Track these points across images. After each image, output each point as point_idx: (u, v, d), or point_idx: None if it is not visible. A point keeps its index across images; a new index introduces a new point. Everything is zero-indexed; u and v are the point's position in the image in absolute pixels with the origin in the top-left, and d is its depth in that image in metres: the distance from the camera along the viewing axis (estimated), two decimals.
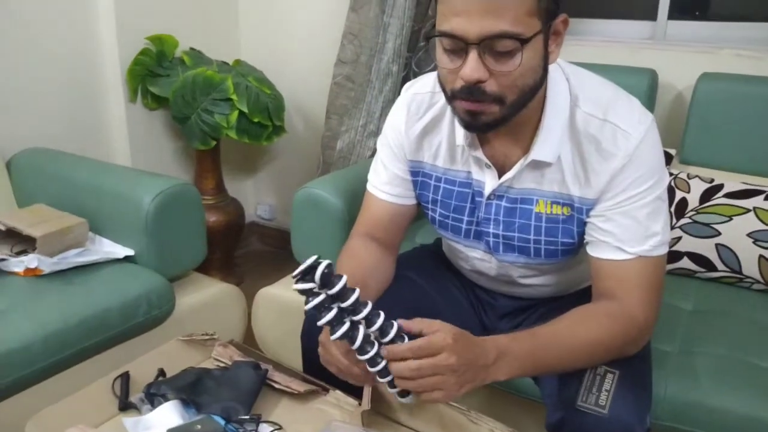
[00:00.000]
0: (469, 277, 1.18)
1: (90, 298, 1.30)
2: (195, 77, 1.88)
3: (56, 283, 1.34)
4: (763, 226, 1.36)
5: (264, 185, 2.56)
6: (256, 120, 1.92)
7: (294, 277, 0.75)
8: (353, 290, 0.77)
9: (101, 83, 1.96)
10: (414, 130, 1.03)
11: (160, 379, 1.00)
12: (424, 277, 1.15)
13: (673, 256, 1.43)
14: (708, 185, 1.46)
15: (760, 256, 1.35)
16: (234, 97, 1.87)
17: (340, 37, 1.94)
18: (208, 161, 2.12)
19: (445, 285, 1.17)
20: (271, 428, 0.91)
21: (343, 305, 0.77)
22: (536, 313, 1.12)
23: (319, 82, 2.15)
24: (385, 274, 1.05)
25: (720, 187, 1.44)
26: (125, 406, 0.95)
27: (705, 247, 1.40)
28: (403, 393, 0.80)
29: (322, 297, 0.76)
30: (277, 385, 0.99)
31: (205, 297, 1.56)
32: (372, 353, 0.78)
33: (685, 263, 1.43)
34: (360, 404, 0.95)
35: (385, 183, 1.07)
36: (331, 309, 0.76)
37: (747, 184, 1.44)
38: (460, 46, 0.80)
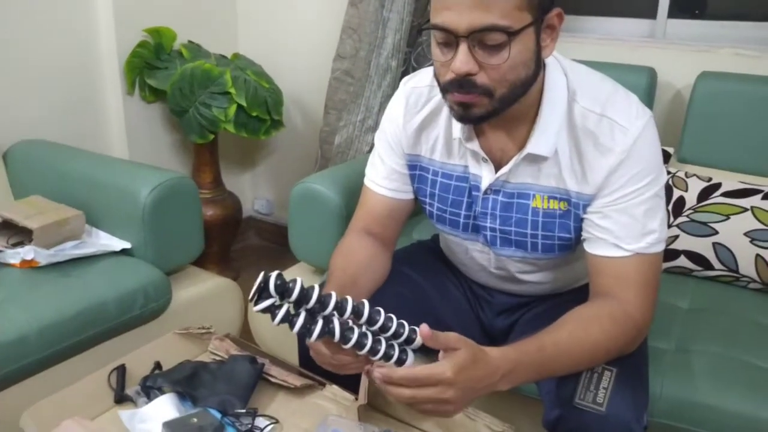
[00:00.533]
0: (467, 274, 1.18)
1: (86, 290, 1.30)
2: (193, 70, 1.87)
3: (52, 275, 1.33)
4: (760, 226, 1.36)
5: (262, 179, 2.56)
6: (254, 114, 1.92)
7: (251, 300, 0.75)
8: (312, 288, 0.77)
9: (99, 75, 1.96)
10: (412, 124, 1.03)
11: (157, 372, 1.00)
12: (421, 273, 1.15)
13: (671, 254, 1.43)
14: (706, 184, 1.46)
15: (757, 255, 1.35)
16: (232, 90, 1.87)
17: (339, 32, 1.93)
18: (206, 155, 2.11)
19: (442, 281, 1.17)
20: (267, 422, 0.91)
21: (309, 306, 0.77)
22: (533, 310, 1.12)
23: (317, 76, 2.14)
24: (380, 270, 1.05)
25: (718, 186, 1.44)
26: (121, 398, 0.95)
27: (702, 246, 1.41)
28: (400, 361, 0.80)
29: (285, 308, 0.76)
30: (273, 379, 0.99)
31: (202, 291, 1.56)
32: (355, 338, 0.78)
33: (683, 262, 1.43)
34: (356, 399, 0.95)
35: (383, 177, 1.07)
36: (299, 314, 0.77)
37: (745, 183, 1.44)
38: (451, 39, 0.81)
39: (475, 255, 1.08)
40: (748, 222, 1.37)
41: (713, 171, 1.53)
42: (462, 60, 0.80)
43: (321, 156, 2.05)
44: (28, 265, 1.35)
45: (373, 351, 0.78)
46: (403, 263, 1.13)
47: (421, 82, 1.03)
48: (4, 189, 1.61)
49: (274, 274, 0.74)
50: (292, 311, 0.77)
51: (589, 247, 0.93)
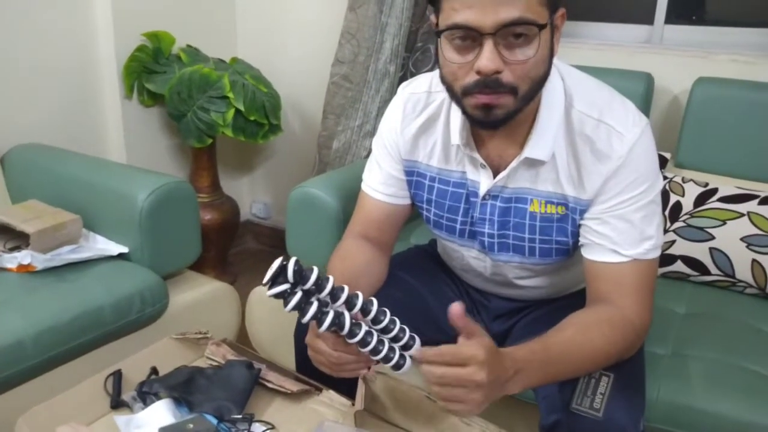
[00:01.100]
0: (463, 278, 1.18)
1: (83, 295, 1.30)
2: (191, 74, 1.87)
3: (49, 279, 1.33)
4: (756, 231, 1.37)
5: (259, 184, 2.56)
6: (252, 118, 1.92)
7: (265, 284, 0.74)
8: (327, 279, 0.77)
9: (97, 79, 1.96)
10: (409, 130, 1.03)
11: (153, 377, 1.00)
12: (418, 277, 1.15)
13: (667, 259, 1.44)
14: (702, 189, 1.46)
15: (754, 260, 1.36)
16: (230, 95, 1.87)
17: (337, 37, 1.93)
18: (204, 159, 2.11)
19: (439, 286, 1.17)
20: (264, 428, 0.91)
21: (321, 296, 0.77)
22: (530, 315, 1.12)
23: (316, 81, 2.14)
24: (377, 274, 1.05)
25: (714, 191, 1.45)
26: (117, 404, 0.95)
27: (699, 251, 1.41)
28: (398, 366, 0.80)
29: (299, 295, 0.75)
30: (270, 385, 0.98)
31: (199, 295, 1.56)
32: (361, 334, 0.77)
33: (679, 267, 1.43)
34: (353, 404, 0.95)
35: (380, 183, 1.07)
36: (311, 303, 0.76)
37: (741, 188, 1.44)
38: (472, 39, 0.80)
39: (472, 260, 1.08)
40: (744, 227, 1.38)
41: (710, 176, 1.53)
42: (489, 58, 0.78)
43: (319, 160, 2.06)
44: (25, 269, 1.34)
45: (375, 351, 0.78)
46: (400, 268, 1.13)
47: (419, 87, 1.03)
48: (2, 193, 1.61)
49: (292, 260, 0.74)
50: (305, 300, 0.77)
51: (587, 253, 0.93)
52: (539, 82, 0.85)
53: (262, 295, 1.55)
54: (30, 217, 1.39)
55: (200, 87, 1.87)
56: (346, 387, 0.96)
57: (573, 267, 1.05)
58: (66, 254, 1.38)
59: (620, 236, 0.89)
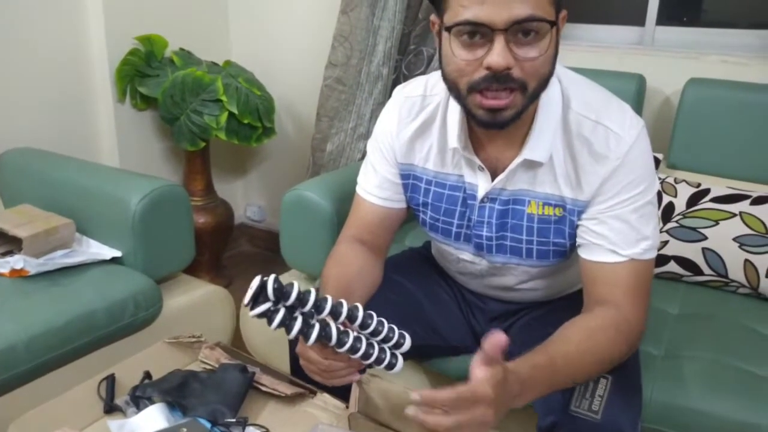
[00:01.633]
0: (458, 281, 1.18)
1: (76, 299, 1.29)
2: (184, 78, 1.87)
3: (42, 284, 1.32)
4: (748, 231, 1.37)
5: (253, 187, 2.55)
6: (245, 121, 1.92)
7: (247, 305, 0.74)
8: (309, 292, 0.77)
9: (89, 83, 1.95)
10: (405, 133, 1.03)
11: (146, 381, 0.99)
12: (413, 280, 1.15)
13: (660, 259, 1.44)
14: (695, 190, 1.47)
15: (746, 260, 1.36)
16: (224, 98, 1.87)
17: (330, 40, 1.94)
18: (198, 162, 2.11)
19: (434, 288, 1.17)
20: (258, 431, 0.91)
21: (305, 310, 0.77)
22: (526, 317, 1.12)
23: (309, 84, 2.14)
24: (372, 278, 1.05)
25: (707, 191, 1.45)
26: (110, 408, 0.95)
27: (691, 251, 1.41)
28: (390, 365, 0.79)
29: (282, 312, 0.75)
30: (264, 388, 0.98)
31: (193, 299, 1.55)
32: (350, 342, 0.77)
33: (672, 267, 1.44)
34: (347, 407, 0.95)
35: (375, 186, 1.07)
36: (295, 319, 0.76)
37: (733, 188, 1.45)
38: (482, 35, 0.79)
39: (467, 263, 1.08)
40: (736, 227, 1.38)
41: (702, 177, 1.54)
42: (501, 54, 0.78)
43: (313, 163, 2.05)
44: (18, 274, 1.34)
45: (366, 355, 0.78)
46: (395, 270, 1.13)
47: (414, 91, 1.03)
48: None
49: (271, 278, 0.74)
50: (289, 316, 0.76)
51: (585, 254, 0.93)
52: (546, 80, 0.85)
53: None
54: (22, 221, 1.38)
55: (193, 90, 1.87)
56: (340, 390, 0.96)
57: (569, 269, 1.05)
58: (59, 259, 1.38)
59: (618, 236, 0.89)
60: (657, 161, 1.58)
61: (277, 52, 2.29)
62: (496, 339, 0.69)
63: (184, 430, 0.86)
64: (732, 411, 1.05)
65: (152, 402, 0.93)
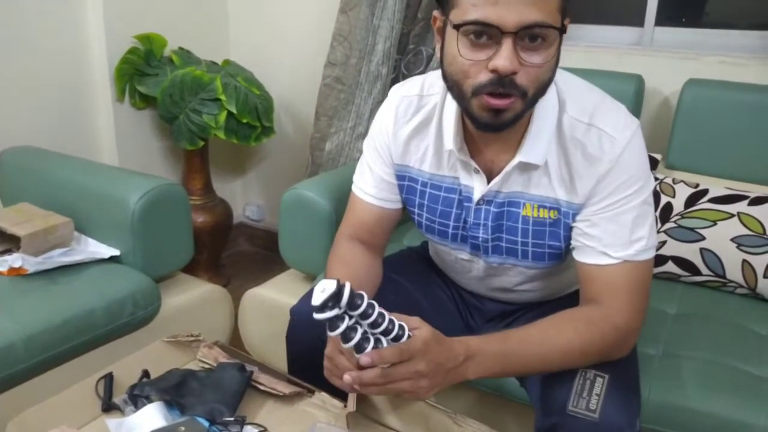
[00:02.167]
0: (456, 281, 1.18)
1: (74, 298, 1.29)
2: (183, 77, 1.87)
3: (40, 282, 1.32)
4: (746, 231, 1.38)
5: (252, 186, 2.55)
6: (244, 120, 1.92)
7: (316, 305, 0.72)
8: (372, 305, 0.76)
9: (89, 82, 1.95)
10: (402, 133, 1.02)
11: (144, 380, 0.99)
12: (410, 279, 1.15)
13: (658, 260, 1.44)
14: (693, 190, 1.47)
15: (744, 260, 1.36)
16: (223, 97, 1.87)
17: (329, 39, 1.94)
18: (196, 161, 2.11)
19: (431, 288, 1.17)
20: (256, 430, 0.91)
21: (364, 321, 0.76)
22: (523, 317, 1.12)
23: (308, 83, 2.14)
24: (376, 279, 1.05)
25: (705, 192, 1.46)
26: (108, 407, 0.95)
27: (689, 252, 1.42)
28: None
29: (347, 321, 0.74)
30: (262, 387, 0.98)
31: (192, 298, 1.55)
32: (371, 345, 0.77)
33: (670, 267, 1.44)
34: (345, 406, 0.95)
35: (371, 186, 1.06)
36: (355, 329, 0.75)
37: (731, 189, 1.45)
38: (489, 37, 0.79)
39: (464, 264, 1.09)
40: (734, 228, 1.39)
41: (700, 177, 1.54)
42: (508, 57, 0.77)
43: (312, 162, 2.06)
44: (16, 272, 1.34)
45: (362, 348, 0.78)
46: (393, 270, 1.13)
47: (411, 90, 1.03)
48: None
49: (347, 285, 0.73)
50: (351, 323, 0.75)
51: (578, 256, 0.93)
52: (545, 87, 0.85)
53: (255, 297, 1.55)
54: (21, 220, 1.38)
55: (192, 89, 1.87)
56: (338, 389, 0.96)
57: (566, 271, 1.05)
58: (57, 257, 1.38)
59: (610, 238, 0.89)
60: (655, 162, 1.58)
61: (276, 52, 2.29)
62: (362, 360, 0.76)
63: (182, 428, 0.86)
64: (729, 411, 1.05)
65: (150, 401, 0.93)
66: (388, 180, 1.06)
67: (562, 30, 0.80)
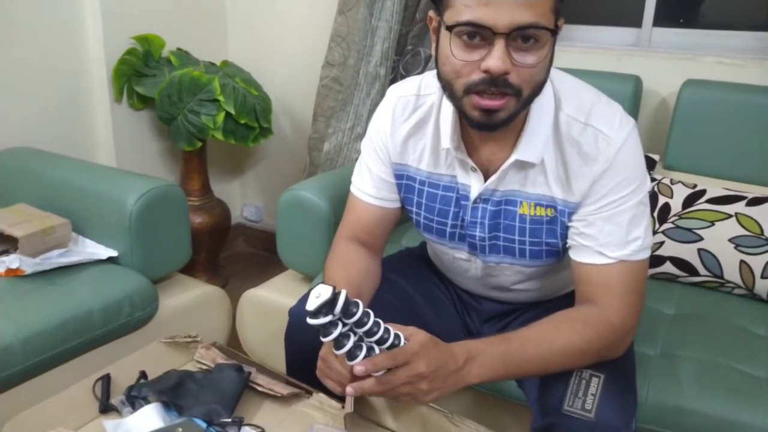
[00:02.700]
0: (454, 281, 1.18)
1: (72, 299, 1.29)
2: (182, 77, 1.87)
3: (38, 283, 1.32)
4: (744, 232, 1.38)
5: (250, 187, 2.55)
6: (242, 121, 1.92)
7: (310, 310, 0.72)
8: (368, 313, 0.76)
9: (87, 83, 1.95)
10: (399, 133, 1.03)
11: (142, 381, 0.99)
12: (409, 280, 1.15)
13: (656, 260, 1.44)
14: (691, 191, 1.47)
15: (741, 261, 1.37)
16: (221, 98, 1.87)
17: (327, 40, 1.94)
18: (194, 162, 2.11)
19: (430, 288, 1.17)
20: (254, 431, 0.91)
21: (359, 329, 0.76)
22: (521, 317, 1.12)
23: (306, 84, 2.15)
24: (376, 280, 1.05)
25: (702, 192, 1.46)
26: (106, 408, 0.94)
27: (687, 252, 1.42)
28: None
29: (340, 327, 0.74)
30: (259, 388, 0.98)
31: (190, 299, 1.55)
32: (362, 353, 0.77)
33: (668, 268, 1.44)
34: (343, 407, 0.95)
35: (370, 186, 1.07)
36: (348, 337, 0.75)
37: (729, 189, 1.45)
38: (482, 37, 0.79)
39: (462, 263, 1.09)
40: (732, 228, 1.39)
41: (698, 178, 1.55)
42: (500, 58, 0.78)
43: (310, 163, 2.06)
44: (14, 273, 1.33)
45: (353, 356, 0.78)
46: (391, 270, 1.13)
47: (408, 90, 1.03)
48: None
49: (343, 293, 0.73)
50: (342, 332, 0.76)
51: (574, 255, 0.93)
52: (540, 87, 0.85)
53: (253, 298, 1.55)
54: (19, 220, 1.38)
55: (190, 90, 1.87)
56: None
57: (564, 270, 1.05)
58: (55, 258, 1.37)
59: (606, 238, 0.90)
60: (653, 162, 1.58)
61: (274, 52, 2.29)
62: (356, 370, 0.77)
63: (180, 430, 0.86)
64: (726, 411, 1.05)
65: (148, 402, 0.93)
66: (386, 179, 1.06)
67: (555, 31, 0.81)
